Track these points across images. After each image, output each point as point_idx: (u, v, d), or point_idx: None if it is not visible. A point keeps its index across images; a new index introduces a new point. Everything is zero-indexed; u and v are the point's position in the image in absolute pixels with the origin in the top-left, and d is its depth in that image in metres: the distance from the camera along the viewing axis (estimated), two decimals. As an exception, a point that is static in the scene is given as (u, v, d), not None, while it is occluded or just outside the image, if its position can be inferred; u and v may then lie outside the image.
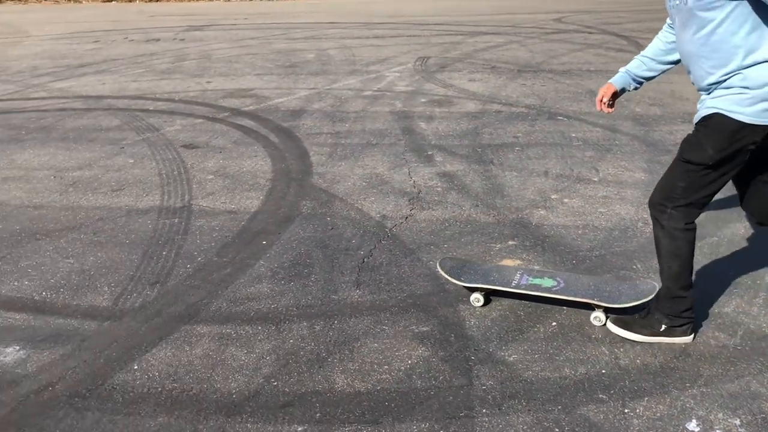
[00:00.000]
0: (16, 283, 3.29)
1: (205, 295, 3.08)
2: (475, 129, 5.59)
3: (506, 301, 2.91)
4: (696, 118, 2.40)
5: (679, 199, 2.40)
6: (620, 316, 2.68)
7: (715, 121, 2.30)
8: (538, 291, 2.79)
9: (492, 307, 2.88)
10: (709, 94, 2.34)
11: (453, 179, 4.46)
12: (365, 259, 3.36)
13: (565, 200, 4.06)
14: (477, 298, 2.88)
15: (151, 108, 6.74)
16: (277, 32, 12.22)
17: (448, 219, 3.81)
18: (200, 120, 6.22)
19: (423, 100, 6.67)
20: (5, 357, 2.67)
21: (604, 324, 2.69)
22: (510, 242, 3.51)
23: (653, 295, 2.64)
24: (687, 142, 2.40)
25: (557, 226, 3.69)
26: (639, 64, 2.69)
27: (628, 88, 2.75)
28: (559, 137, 5.33)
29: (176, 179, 4.69)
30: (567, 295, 2.75)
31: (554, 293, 2.77)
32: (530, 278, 2.91)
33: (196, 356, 2.59)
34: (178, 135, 5.75)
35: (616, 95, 2.75)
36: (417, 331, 2.71)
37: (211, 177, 4.71)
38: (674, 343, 2.57)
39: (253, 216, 3.98)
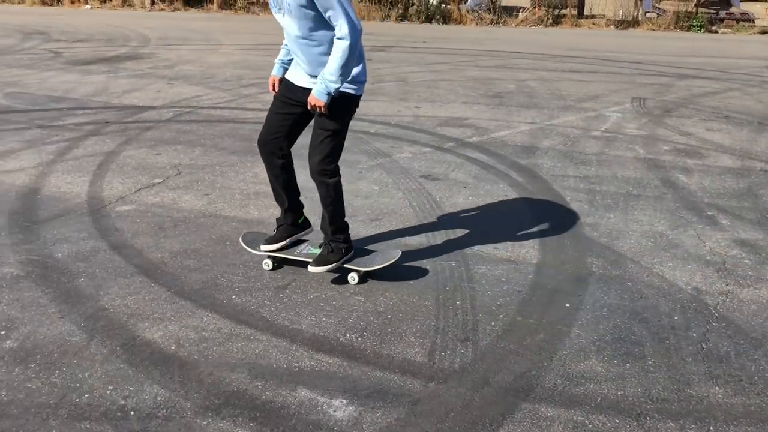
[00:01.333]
0: (313, 318, 3.09)
1: (530, 365, 2.72)
2: (749, 189, 4.98)
3: None
4: None
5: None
6: (317, 259, 3.43)
7: None
8: (309, 257, 3.49)
9: None
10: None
11: (758, 250, 3.89)
12: (703, 345, 2.89)
13: None
14: (267, 263, 3.59)
15: (371, 131, 6.60)
16: (463, 58, 12.00)
17: (776, 302, 3.27)
18: (428, 149, 5.98)
19: (666, 148, 6.11)
20: (335, 411, 2.43)
21: (357, 282, 3.43)
22: None
23: (396, 259, 3.46)
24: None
25: None
26: (285, 53, 3.49)
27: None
28: None
29: (431, 214, 4.43)
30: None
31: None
32: (311, 248, 3.60)
33: (564, 449, 2.23)
34: (412, 163, 5.53)
35: (281, 81, 3.50)
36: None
37: (467, 215, 4.41)
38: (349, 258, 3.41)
39: (538, 269, 3.61)
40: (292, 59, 3.43)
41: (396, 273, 3.53)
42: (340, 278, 3.47)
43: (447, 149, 5.98)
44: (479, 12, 19.08)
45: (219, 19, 19.60)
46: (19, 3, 24.14)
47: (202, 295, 3.31)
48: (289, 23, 3.10)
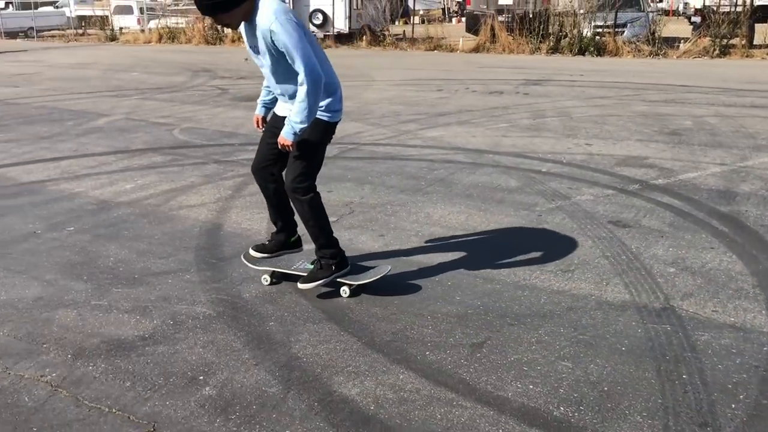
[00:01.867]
0: (519, 385, 2.80)
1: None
2: None
3: None
4: None
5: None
6: (306, 276, 3.66)
7: None
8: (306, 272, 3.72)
9: None
10: None
11: None
12: None
13: None
14: (265, 278, 3.84)
15: (543, 169, 6.26)
16: (626, 92, 11.35)
17: None
18: (610, 191, 5.55)
19: None
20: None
21: (349, 294, 3.64)
22: None
23: (386, 273, 3.74)
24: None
25: None
26: (266, 93, 3.83)
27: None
28: None
29: (630, 267, 4.01)
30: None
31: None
32: (306, 264, 3.85)
33: None
34: (596, 207, 5.12)
35: (264, 120, 3.86)
36: None
37: (672, 270, 3.95)
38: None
39: (773, 340, 3.11)
40: (273, 99, 3.81)
41: (604, 333, 3.17)
42: (539, 336, 3.17)
43: (632, 192, 5.52)
44: (637, 43, 18.17)
45: (368, 55, 20.07)
46: (186, 42, 26.11)
47: (394, 348, 3.13)
48: (266, 63, 3.40)
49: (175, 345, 3.19)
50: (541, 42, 19.06)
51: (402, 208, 5.24)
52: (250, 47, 3.44)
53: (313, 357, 3.06)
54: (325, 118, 3.51)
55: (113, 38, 28.69)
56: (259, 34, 3.28)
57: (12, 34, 31.84)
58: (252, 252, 3.89)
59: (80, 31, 33.15)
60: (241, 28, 3.43)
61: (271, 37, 3.23)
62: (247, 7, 3.27)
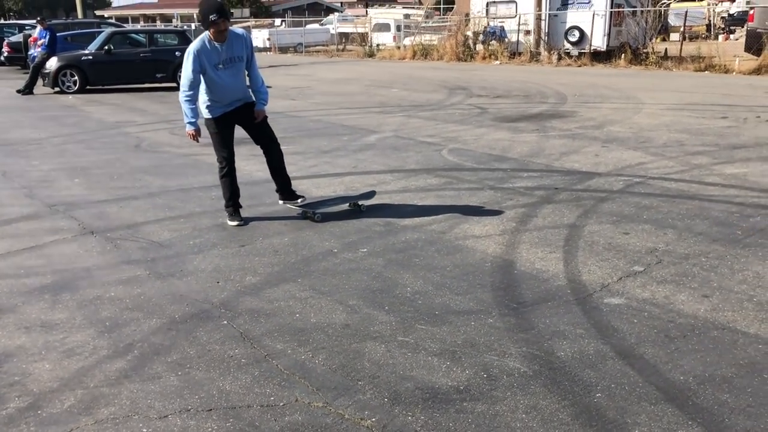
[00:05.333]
0: None
1: None
2: None
3: None
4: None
5: None
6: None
7: None
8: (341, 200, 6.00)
9: None
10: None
11: None
12: None
13: None
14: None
15: None
16: None
17: None
18: None
19: None
20: None
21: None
22: None
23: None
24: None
25: None
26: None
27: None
28: None
29: None
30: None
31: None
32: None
33: None
34: None
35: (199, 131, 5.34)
36: None
37: None
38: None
39: None
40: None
41: None
42: None
43: None
44: None
45: (629, 75, 18.81)
46: (438, 59, 26.77)
47: (764, 455, 2.54)
48: (237, 71, 5.30)
49: (494, 405, 2.92)
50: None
51: (721, 262, 4.53)
52: (215, 61, 5.13)
53: (661, 449, 2.59)
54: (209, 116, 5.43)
55: (371, 54, 30.41)
56: (241, 45, 5.25)
57: (283, 49, 35.27)
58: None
59: (341, 47, 35.73)
60: (211, 46, 5.11)
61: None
62: None
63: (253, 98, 5.47)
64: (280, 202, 5.86)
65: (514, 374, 3.17)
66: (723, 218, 5.47)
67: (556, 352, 3.37)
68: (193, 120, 5.25)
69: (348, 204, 5.93)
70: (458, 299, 4.04)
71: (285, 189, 5.80)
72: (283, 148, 5.81)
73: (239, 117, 5.47)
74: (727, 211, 5.67)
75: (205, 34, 5.16)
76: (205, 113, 5.36)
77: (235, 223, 5.54)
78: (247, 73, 5.45)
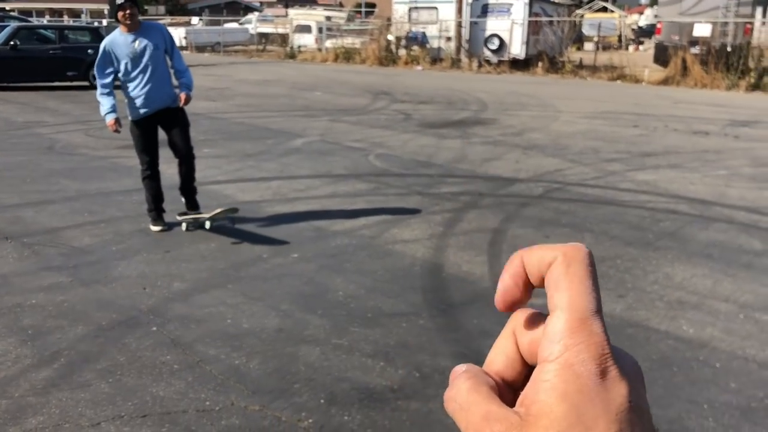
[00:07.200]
0: None
1: None
2: None
3: None
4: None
5: None
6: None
7: None
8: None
9: None
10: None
11: None
12: None
13: None
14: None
15: (790, 231, 5.56)
16: None
17: None
18: None
19: None
20: None
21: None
22: None
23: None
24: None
25: None
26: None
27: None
28: None
29: None
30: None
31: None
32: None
33: None
34: None
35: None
36: None
37: None
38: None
39: None
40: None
41: None
42: None
43: None
44: None
45: (546, 83, 19.53)
46: (360, 63, 26.92)
47: (676, 442, 2.75)
48: (156, 63, 5.15)
49: (427, 402, 3.02)
50: (740, 78, 17.57)
51: (634, 264, 4.81)
52: (135, 62, 5.06)
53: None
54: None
55: (292, 56, 30.23)
56: (157, 33, 5.18)
57: (200, 48, 34.55)
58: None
59: (261, 48, 35.33)
60: (123, 38, 5.04)
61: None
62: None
63: (178, 102, 5.27)
64: (178, 217, 5.52)
65: (445, 372, 3.28)
66: (636, 222, 5.80)
67: (484, 350, 3.47)
68: (111, 110, 5.09)
69: (209, 223, 5.44)
70: (390, 302, 4.13)
71: (191, 200, 5.58)
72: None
73: (161, 120, 5.34)
74: (639, 215, 6.02)
75: (117, 28, 5.08)
76: (128, 115, 5.26)
77: (158, 228, 5.43)
78: (170, 63, 5.33)
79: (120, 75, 5.07)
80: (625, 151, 9.11)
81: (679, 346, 3.59)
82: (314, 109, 13.29)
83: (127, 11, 4.94)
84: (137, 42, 5.05)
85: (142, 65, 5.08)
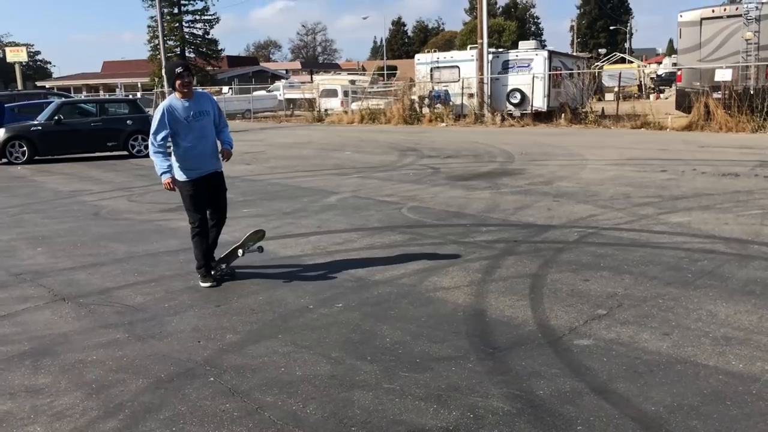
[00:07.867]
0: None
1: None
2: None
3: None
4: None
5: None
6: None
7: None
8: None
9: None
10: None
11: None
12: None
13: None
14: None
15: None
16: None
17: None
18: None
19: None
20: None
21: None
22: None
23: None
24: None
25: None
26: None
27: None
28: None
29: None
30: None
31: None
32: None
33: None
34: None
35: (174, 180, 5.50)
36: None
37: None
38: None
39: None
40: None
41: None
42: None
43: None
44: None
45: (571, 134, 19.75)
46: (386, 122, 27.49)
47: (736, 473, 2.76)
48: (206, 127, 5.54)
49: (483, 442, 3.08)
50: (764, 120, 17.61)
51: (676, 303, 4.84)
52: (187, 116, 5.38)
53: (643, 473, 2.78)
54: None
55: (320, 119, 31.01)
56: (207, 101, 5.61)
57: (230, 116, 35.59)
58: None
59: (289, 113, 36.29)
60: (180, 103, 5.40)
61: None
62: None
63: (221, 167, 5.73)
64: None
65: (498, 413, 3.34)
66: (674, 263, 5.84)
67: (535, 390, 3.56)
68: (167, 170, 5.41)
69: (241, 251, 5.91)
70: (436, 347, 4.21)
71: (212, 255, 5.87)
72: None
73: (208, 182, 5.63)
74: (676, 256, 6.05)
75: (173, 94, 5.41)
76: (179, 175, 5.53)
77: (207, 284, 5.61)
78: (217, 128, 5.67)
79: (173, 137, 5.38)
80: (656, 195, 9.17)
81: (730, 380, 3.61)
82: (345, 168, 13.60)
83: (185, 80, 5.33)
84: (192, 108, 5.39)
85: (195, 130, 5.38)
